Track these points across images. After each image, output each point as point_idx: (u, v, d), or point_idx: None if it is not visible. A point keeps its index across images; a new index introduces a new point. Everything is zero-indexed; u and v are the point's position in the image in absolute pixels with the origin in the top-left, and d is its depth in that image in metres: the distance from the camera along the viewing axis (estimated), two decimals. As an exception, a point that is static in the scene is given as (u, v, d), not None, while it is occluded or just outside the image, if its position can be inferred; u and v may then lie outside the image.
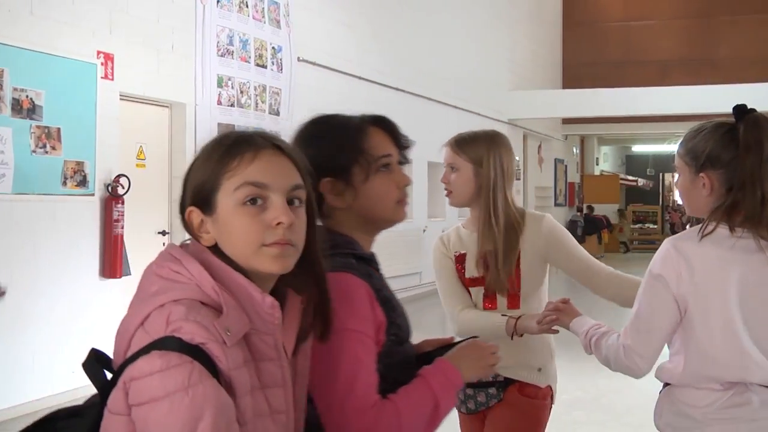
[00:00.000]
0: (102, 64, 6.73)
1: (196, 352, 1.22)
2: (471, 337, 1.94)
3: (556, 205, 21.06)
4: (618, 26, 21.87)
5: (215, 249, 1.37)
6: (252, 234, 1.34)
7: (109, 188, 6.69)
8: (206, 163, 1.39)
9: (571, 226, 21.50)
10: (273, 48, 9.20)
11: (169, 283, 1.31)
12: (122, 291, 6.64)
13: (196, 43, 7.97)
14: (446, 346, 1.86)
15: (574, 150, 23.72)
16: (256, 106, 8.88)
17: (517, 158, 18.00)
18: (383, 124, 1.84)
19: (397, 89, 12.13)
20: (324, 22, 10.39)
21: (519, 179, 18.25)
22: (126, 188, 6.81)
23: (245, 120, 8.66)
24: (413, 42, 12.90)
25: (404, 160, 1.88)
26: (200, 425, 1.18)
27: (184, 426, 1.18)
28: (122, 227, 6.72)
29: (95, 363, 1.31)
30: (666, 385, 2.21)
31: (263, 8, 9.03)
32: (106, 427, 1.26)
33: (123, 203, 6.75)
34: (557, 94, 19.60)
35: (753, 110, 2.13)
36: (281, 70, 9.34)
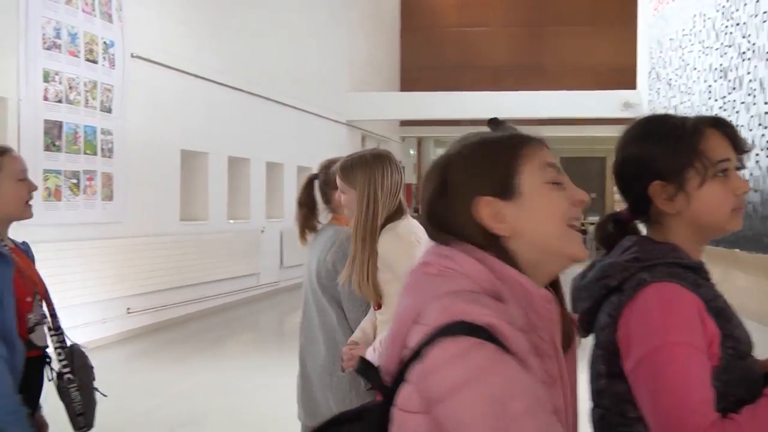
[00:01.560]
0: None
1: (484, 335, 1.16)
2: None
3: (394, 205, 21.38)
4: (454, 32, 22.52)
5: (494, 246, 1.31)
6: (559, 213, 1.32)
7: None
8: (491, 153, 1.35)
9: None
10: (104, 43, 8.83)
11: (440, 279, 1.27)
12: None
13: (18, 35, 7.53)
14: None
15: (411, 152, 24.20)
16: (87, 103, 8.49)
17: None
18: (721, 125, 1.70)
19: (235, 88, 11.96)
20: (159, 19, 10.08)
21: (358, 180, 18.40)
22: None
23: (75, 117, 8.27)
24: (252, 41, 12.75)
25: (741, 166, 1.71)
26: (513, 405, 1.11)
27: (493, 407, 1.11)
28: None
29: (367, 368, 1.29)
30: None
31: (93, 1, 8.65)
32: (402, 427, 1.20)
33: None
34: (395, 97, 19.94)
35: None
36: (113, 66, 8.97)
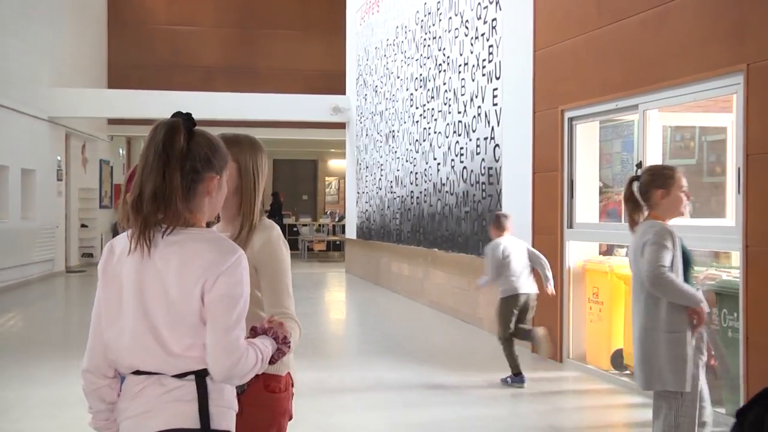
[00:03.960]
0: None
1: None
2: None
3: (101, 207, 20.43)
4: (164, 29, 21.96)
5: None
6: None
7: None
8: None
9: (115, 228, 21.03)
10: None
11: None
12: None
13: None
14: None
15: (121, 151, 23.26)
16: None
17: (58, 158, 17.14)
18: None
19: None
20: None
21: (61, 180, 17.37)
22: None
23: None
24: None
25: None
26: None
27: None
28: None
29: None
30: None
31: None
32: None
33: None
34: (102, 94, 19.05)
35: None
36: None
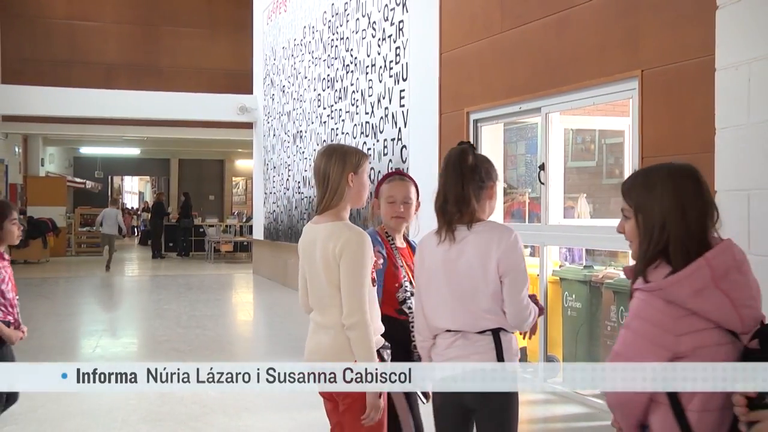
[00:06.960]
0: None
1: None
2: None
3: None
4: (62, 24, 21.28)
5: None
6: None
7: None
8: None
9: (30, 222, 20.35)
10: None
11: None
12: None
13: None
14: None
15: (16, 149, 22.43)
16: None
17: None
18: None
19: None
20: None
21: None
22: None
23: None
24: None
25: None
26: None
27: None
28: None
29: None
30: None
31: None
32: None
33: None
34: (-4, 90, 18.33)
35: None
36: None
